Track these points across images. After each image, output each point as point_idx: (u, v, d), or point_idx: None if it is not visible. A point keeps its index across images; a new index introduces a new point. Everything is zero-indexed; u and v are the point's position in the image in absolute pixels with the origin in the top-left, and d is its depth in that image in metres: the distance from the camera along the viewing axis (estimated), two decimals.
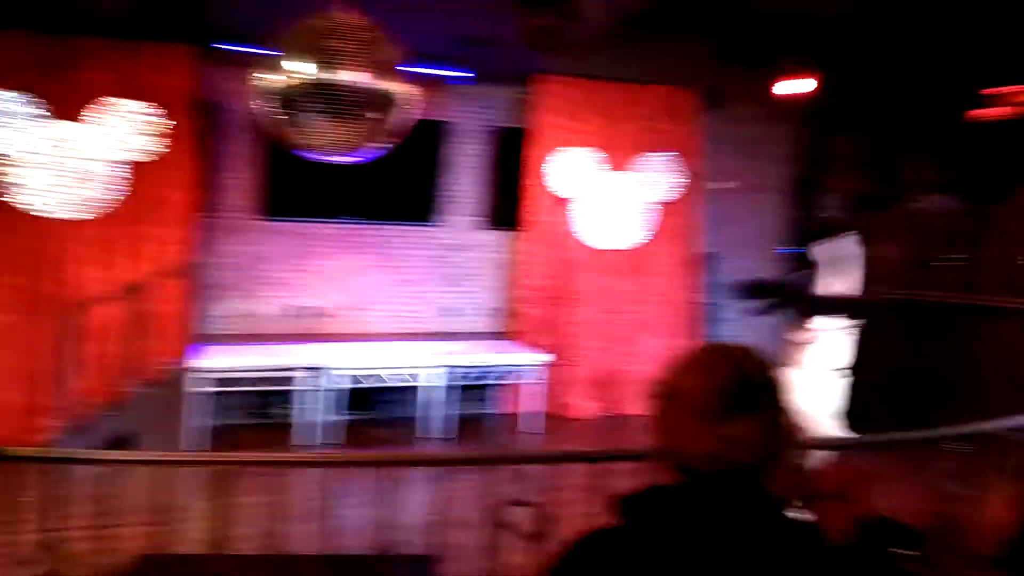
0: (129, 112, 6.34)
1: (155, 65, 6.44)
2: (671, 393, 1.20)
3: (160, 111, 6.42)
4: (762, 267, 9.14)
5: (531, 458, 2.64)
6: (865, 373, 8.10)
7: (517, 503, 2.50)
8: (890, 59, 8.81)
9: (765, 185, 9.09)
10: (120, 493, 2.60)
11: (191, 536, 3.47)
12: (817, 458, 3.15)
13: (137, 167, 6.46)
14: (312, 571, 2.05)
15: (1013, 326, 6.84)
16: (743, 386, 1.17)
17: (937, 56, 8.66)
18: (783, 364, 4.27)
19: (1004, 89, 9.41)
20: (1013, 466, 3.28)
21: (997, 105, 9.90)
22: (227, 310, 7.23)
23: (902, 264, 8.34)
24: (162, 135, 6.45)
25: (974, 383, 6.81)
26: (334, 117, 4.33)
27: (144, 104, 6.38)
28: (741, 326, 9.07)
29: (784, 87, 8.35)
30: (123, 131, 6.33)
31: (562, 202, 7.68)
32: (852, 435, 4.11)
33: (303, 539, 4.04)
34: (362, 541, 3.44)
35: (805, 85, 8.20)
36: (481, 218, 7.92)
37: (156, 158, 6.47)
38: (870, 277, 8.43)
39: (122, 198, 6.44)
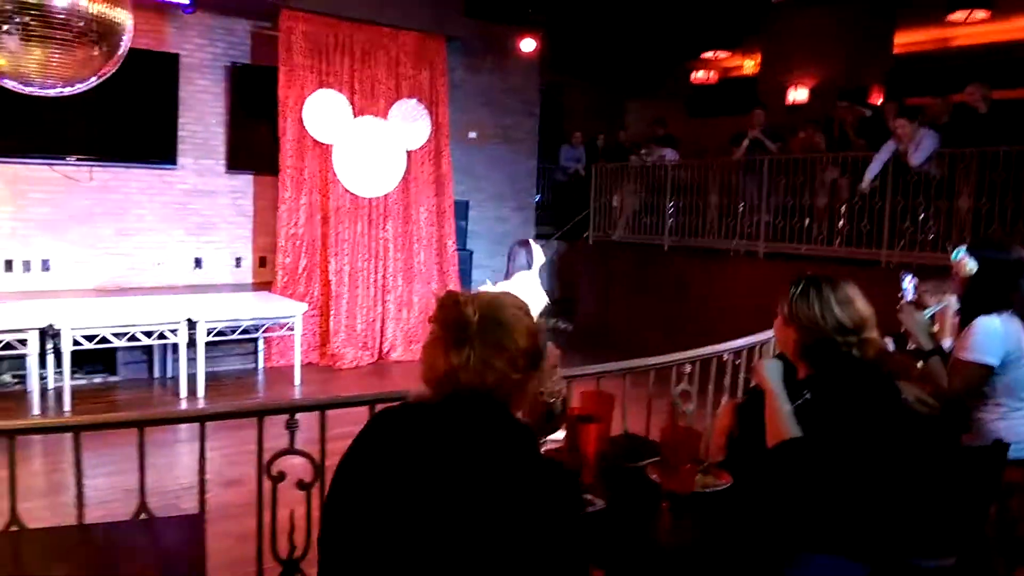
0: None
1: None
2: (430, 331, 1.42)
3: None
4: (512, 216, 9.64)
5: (287, 408, 2.57)
6: (610, 309, 8.95)
7: (286, 453, 2.44)
8: (616, 20, 9.53)
9: (509, 138, 9.48)
10: None
11: None
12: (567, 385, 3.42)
13: None
14: (67, 543, 1.87)
15: (728, 264, 7.89)
16: (467, 322, 1.36)
17: (658, 20, 9.52)
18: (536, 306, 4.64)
19: (713, 54, 10.65)
20: (730, 383, 3.84)
21: (709, 68, 11.16)
22: None
23: (631, 211, 9.20)
24: None
25: (699, 313, 7.78)
26: (40, 41, 3.79)
27: None
28: (494, 272, 9.53)
29: (525, 42, 8.73)
30: None
31: (317, 146, 7.40)
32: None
33: (50, 512, 3.63)
34: (121, 509, 3.17)
35: (533, 42, 8.63)
36: (226, 162, 7.43)
37: None
38: (602, 223, 9.31)
39: None
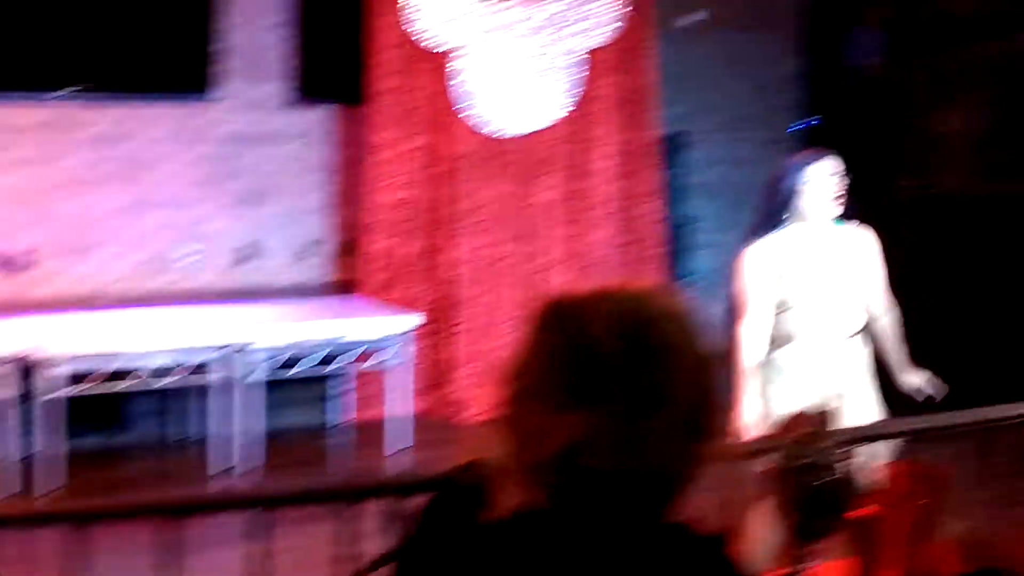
0: None
1: None
2: (516, 370, 1.36)
3: None
4: (760, 155, 9.32)
5: (390, 487, 2.66)
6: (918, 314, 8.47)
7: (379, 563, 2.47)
8: None
9: (757, 20, 9.21)
10: None
11: None
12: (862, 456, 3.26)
13: None
14: None
15: None
16: (599, 354, 1.28)
17: None
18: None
19: None
20: None
21: None
22: None
23: (976, 139, 8.63)
24: None
25: None
26: None
27: None
28: (732, 254, 9.25)
29: None
30: None
31: (432, 56, 7.55)
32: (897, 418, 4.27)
33: None
34: None
35: None
36: (290, 87, 7.77)
37: None
38: (925, 163, 8.80)
39: None
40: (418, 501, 2.12)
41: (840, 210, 4.26)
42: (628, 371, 1.28)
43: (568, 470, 1.28)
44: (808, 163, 4.27)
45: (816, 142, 9.61)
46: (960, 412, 3.57)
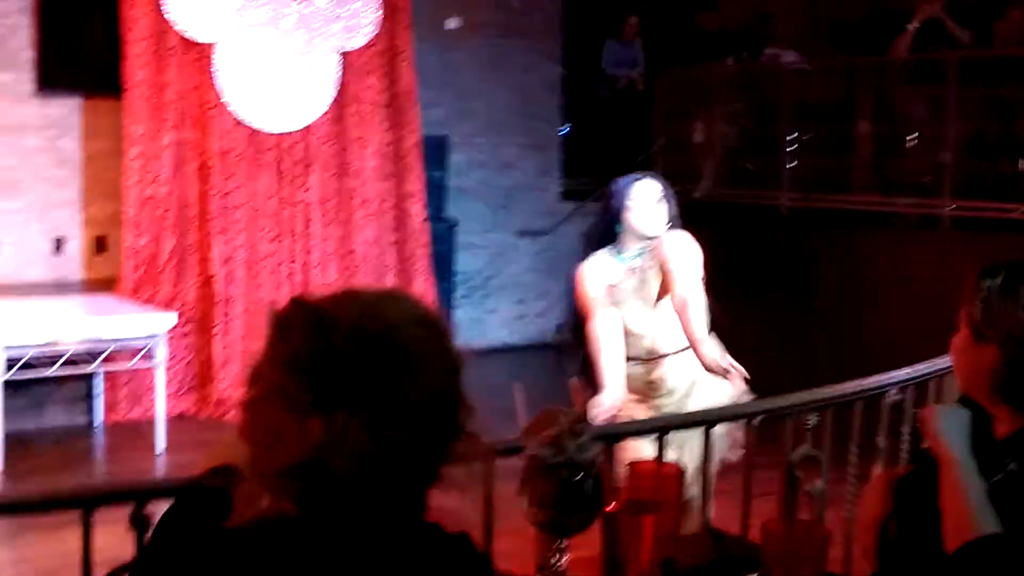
0: None
1: None
2: (257, 375, 1.36)
3: None
4: (522, 159, 9.57)
5: (133, 492, 2.54)
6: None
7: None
8: None
9: (520, 27, 9.48)
10: None
11: None
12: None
13: None
14: None
15: (888, 239, 7.83)
16: (334, 359, 1.31)
17: None
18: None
19: None
20: (888, 444, 3.74)
21: None
22: None
23: (730, 149, 9.06)
24: None
25: (836, 324, 7.70)
26: None
27: None
28: (493, 256, 9.48)
29: None
30: None
31: (190, 48, 7.49)
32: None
33: None
34: None
35: None
36: (36, 76, 7.63)
37: None
38: (676, 170, 9.12)
39: None
40: (161, 507, 2.00)
41: (665, 229, 4.17)
42: (370, 375, 1.30)
43: (310, 476, 1.29)
44: (632, 182, 4.24)
45: (571, 148, 9.98)
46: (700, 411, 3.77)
